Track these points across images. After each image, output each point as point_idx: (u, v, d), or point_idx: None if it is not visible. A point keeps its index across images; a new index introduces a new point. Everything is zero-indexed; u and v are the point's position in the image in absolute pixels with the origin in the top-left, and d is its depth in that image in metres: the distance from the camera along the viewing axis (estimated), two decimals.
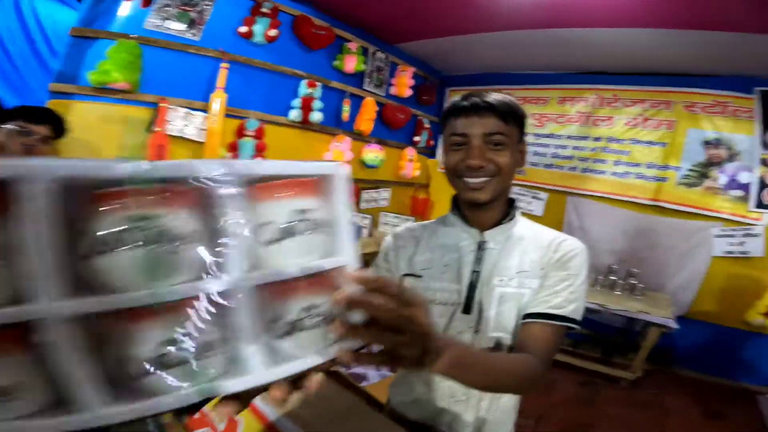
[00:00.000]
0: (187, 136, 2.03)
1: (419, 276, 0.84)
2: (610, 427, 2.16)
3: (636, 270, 2.74)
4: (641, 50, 2.59)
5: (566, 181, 3.23)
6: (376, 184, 3.28)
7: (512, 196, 0.86)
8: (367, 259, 2.91)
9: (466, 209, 0.84)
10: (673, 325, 2.36)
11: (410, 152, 3.42)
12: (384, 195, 3.32)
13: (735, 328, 2.73)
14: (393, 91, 3.29)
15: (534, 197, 3.37)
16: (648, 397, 2.51)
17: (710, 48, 2.35)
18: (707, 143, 2.78)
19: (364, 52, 2.99)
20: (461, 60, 3.42)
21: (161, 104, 1.91)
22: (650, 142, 2.96)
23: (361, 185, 3.15)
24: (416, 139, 3.54)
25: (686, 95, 2.85)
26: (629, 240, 3.00)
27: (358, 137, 3.06)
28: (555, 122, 3.32)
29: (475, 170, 0.75)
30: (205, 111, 2.10)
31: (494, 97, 0.78)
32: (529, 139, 3.39)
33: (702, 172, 2.78)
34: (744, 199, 2.65)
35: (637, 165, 2.98)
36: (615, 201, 3.06)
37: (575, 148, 3.23)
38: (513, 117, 0.78)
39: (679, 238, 2.84)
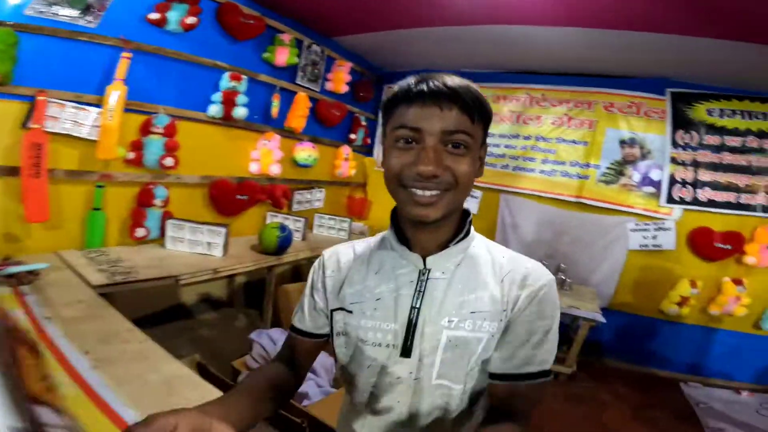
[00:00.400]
0: (76, 134, 1.77)
1: (349, 311, 0.69)
2: (558, 424, 2.19)
3: (564, 265, 2.85)
4: (569, 50, 2.65)
5: (499, 179, 3.30)
6: (310, 184, 3.15)
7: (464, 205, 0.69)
8: (302, 264, 2.72)
9: (407, 227, 0.67)
10: (601, 318, 2.48)
11: (346, 150, 3.31)
12: (318, 195, 3.19)
13: (653, 317, 2.93)
14: (328, 86, 3.16)
15: (469, 196, 3.38)
16: (584, 390, 2.61)
17: (628, 49, 2.44)
18: (623, 142, 2.95)
19: (299, 44, 2.83)
20: (399, 56, 3.35)
21: (39, 97, 1.64)
22: (574, 141, 3.09)
23: (292, 186, 3.00)
24: (352, 137, 3.44)
25: (606, 96, 3.00)
26: (557, 236, 3.13)
27: (289, 135, 2.90)
28: None
29: (426, 180, 0.58)
30: (100, 106, 1.84)
31: (458, 82, 0.59)
32: None
33: (618, 169, 2.95)
34: (656, 196, 2.84)
35: (562, 163, 3.10)
36: (543, 198, 3.17)
37: (507, 146, 3.30)
38: (480, 113, 0.60)
39: (600, 233, 3.00)
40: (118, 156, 1.88)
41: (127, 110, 1.93)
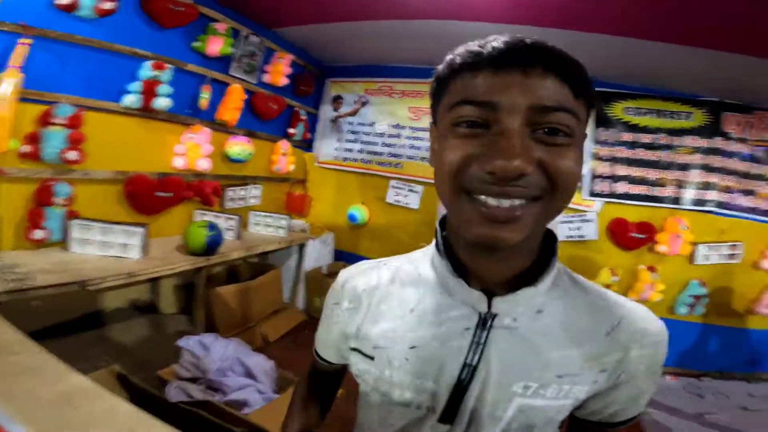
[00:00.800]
0: None
1: (370, 357, 0.51)
2: None
3: None
4: None
5: None
6: (245, 181, 3.01)
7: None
8: (238, 264, 2.62)
9: (463, 250, 0.48)
10: None
11: (284, 145, 3.21)
12: (254, 192, 3.07)
13: None
14: (266, 78, 3.04)
15: (410, 191, 3.42)
16: None
17: (569, 49, 2.53)
18: None
19: (235, 34, 2.68)
20: (344, 50, 3.28)
21: None
22: None
23: (224, 182, 2.85)
24: (291, 131, 3.34)
25: None
26: None
27: (221, 128, 2.75)
28: (430, 116, 3.40)
29: (506, 182, 0.38)
30: None
31: (546, 42, 0.41)
32: (405, 132, 3.44)
33: None
34: (579, 189, 3.01)
35: None
36: None
37: None
38: (585, 88, 0.41)
39: None
40: (9, 148, 1.68)
41: (24, 100, 1.74)
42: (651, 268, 2.91)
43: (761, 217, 2.84)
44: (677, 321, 2.95)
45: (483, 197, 0.39)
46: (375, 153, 3.53)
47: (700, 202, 2.85)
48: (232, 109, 2.73)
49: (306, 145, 3.64)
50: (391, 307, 0.52)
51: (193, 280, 2.30)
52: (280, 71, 3.05)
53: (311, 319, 3.08)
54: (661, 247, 2.84)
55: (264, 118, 3.06)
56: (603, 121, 2.95)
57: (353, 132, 3.59)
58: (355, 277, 0.58)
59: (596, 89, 0.43)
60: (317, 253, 3.36)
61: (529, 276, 0.46)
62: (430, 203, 3.36)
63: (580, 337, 0.46)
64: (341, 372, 0.68)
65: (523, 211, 0.39)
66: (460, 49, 0.43)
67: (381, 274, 0.56)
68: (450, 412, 0.47)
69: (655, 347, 0.47)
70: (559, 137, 0.39)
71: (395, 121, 3.48)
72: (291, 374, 2.05)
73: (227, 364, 1.83)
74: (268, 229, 2.96)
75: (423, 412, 0.48)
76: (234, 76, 2.78)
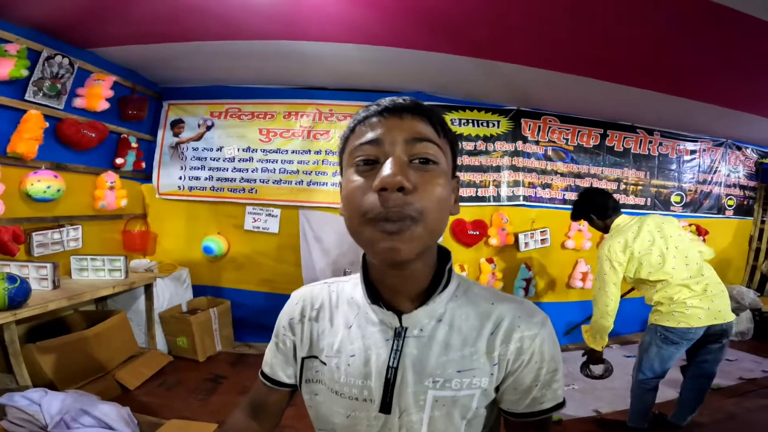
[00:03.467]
0: None
1: (324, 363, 0.62)
2: None
3: None
4: (351, 65, 2.80)
5: (296, 195, 3.32)
6: (58, 222, 2.55)
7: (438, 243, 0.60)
8: (65, 314, 2.24)
9: (377, 275, 0.59)
10: None
11: (110, 178, 2.81)
12: (72, 234, 2.61)
13: None
14: (79, 103, 2.65)
15: (268, 215, 3.33)
16: None
17: (395, 64, 2.71)
18: None
19: (33, 55, 2.32)
20: (183, 70, 3.06)
21: None
22: None
23: (28, 225, 2.38)
24: (119, 161, 2.96)
25: None
26: (354, 243, 3.29)
27: (16, 162, 2.30)
28: (281, 137, 3.37)
29: (391, 198, 0.47)
30: None
31: (416, 101, 0.55)
32: (257, 155, 3.36)
33: None
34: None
35: None
36: (338, 209, 3.31)
37: (300, 162, 3.35)
38: (445, 129, 0.56)
39: None
40: None
41: None
42: (489, 260, 3.34)
43: (559, 206, 3.52)
44: None
45: (380, 222, 0.48)
46: (226, 179, 3.35)
47: (513, 197, 3.41)
48: (28, 139, 2.30)
49: (142, 175, 3.26)
50: (337, 323, 0.63)
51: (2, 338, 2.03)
52: (97, 94, 2.70)
53: (177, 360, 2.87)
54: (492, 240, 3.29)
55: (78, 148, 2.65)
56: None
57: (199, 158, 3.36)
58: (308, 296, 0.68)
59: (424, 102, 0.56)
60: (171, 292, 3.07)
61: (430, 293, 0.57)
62: (291, 226, 3.32)
63: (472, 339, 0.57)
64: (283, 400, 0.72)
65: (406, 226, 0.48)
66: (355, 115, 0.56)
67: (330, 294, 0.67)
68: (385, 403, 0.57)
69: (530, 340, 0.56)
70: (430, 165, 0.51)
71: (246, 144, 3.36)
72: (156, 419, 1.98)
73: (69, 416, 1.76)
74: (98, 273, 2.58)
75: (367, 404, 0.58)
76: (32, 102, 2.38)
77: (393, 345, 0.57)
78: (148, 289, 2.83)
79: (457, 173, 0.61)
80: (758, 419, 1.86)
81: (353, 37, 2.41)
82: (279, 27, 2.32)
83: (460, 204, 0.63)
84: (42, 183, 2.36)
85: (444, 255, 0.61)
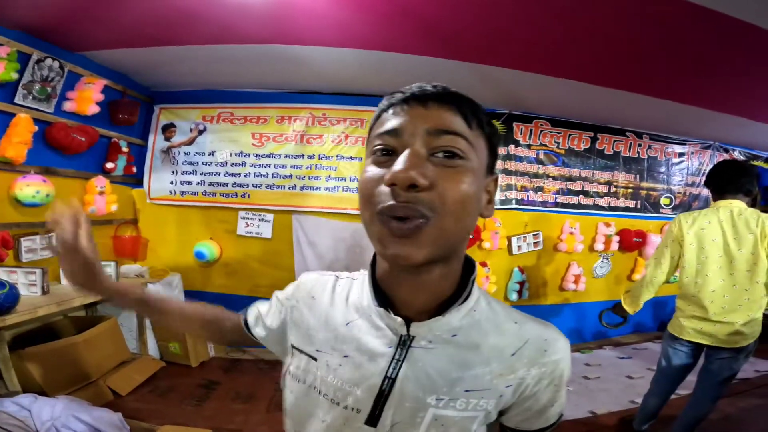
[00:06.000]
0: None
1: (313, 358, 0.57)
2: None
3: None
4: (344, 69, 2.79)
5: (289, 200, 3.31)
6: (47, 227, 2.51)
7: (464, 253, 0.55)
8: (54, 319, 2.24)
9: (387, 275, 0.53)
10: None
11: (100, 182, 2.78)
12: None
13: None
14: (69, 107, 2.62)
15: (261, 220, 3.31)
16: None
17: (390, 68, 2.70)
18: None
19: (23, 58, 2.30)
20: (174, 73, 3.05)
21: None
22: (351, 157, 3.34)
23: (17, 231, 2.34)
24: (109, 165, 2.92)
25: (372, 114, 3.38)
26: (350, 248, 3.31)
27: (5, 167, 2.27)
28: (274, 141, 3.36)
29: (403, 194, 0.43)
30: None
31: (448, 87, 0.50)
32: (250, 160, 3.34)
33: None
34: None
35: (343, 179, 3.32)
36: (332, 214, 3.32)
37: (293, 167, 3.34)
38: (479, 119, 0.49)
39: None
40: None
41: None
42: (483, 264, 3.35)
43: (551, 209, 3.55)
44: (513, 306, 3.46)
45: (389, 216, 0.44)
46: (218, 184, 3.33)
47: (506, 201, 3.44)
48: (17, 143, 2.27)
49: (133, 180, 3.23)
50: (334, 317, 0.57)
51: None
52: (88, 98, 2.67)
53: (170, 366, 2.84)
54: (485, 244, 3.30)
55: (68, 153, 2.62)
56: None
57: (191, 163, 3.33)
58: (314, 283, 0.64)
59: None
60: None
61: (448, 304, 0.51)
62: (284, 231, 3.31)
63: (488, 358, 0.51)
64: (238, 331, 0.74)
65: (415, 225, 0.43)
66: (387, 96, 0.52)
67: (336, 285, 0.62)
68: (373, 417, 0.51)
69: (555, 365, 0.53)
70: (455, 160, 0.45)
71: (238, 148, 3.35)
72: (148, 425, 1.99)
73: (60, 422, 1.74)
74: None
75: (350, 413, 0.52)
76: (21, 105, 2.35)
77: (395, 354, 0.51)
78: None
79: (496, 171, 0.55)
80: (752, 419, 1.87)
81: (346, 42, 2.42)
82: (272, 31, 2.32)
83: None
84: (31, 188, 2.33)
85: (468, 265, 0.55)
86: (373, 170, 0.47)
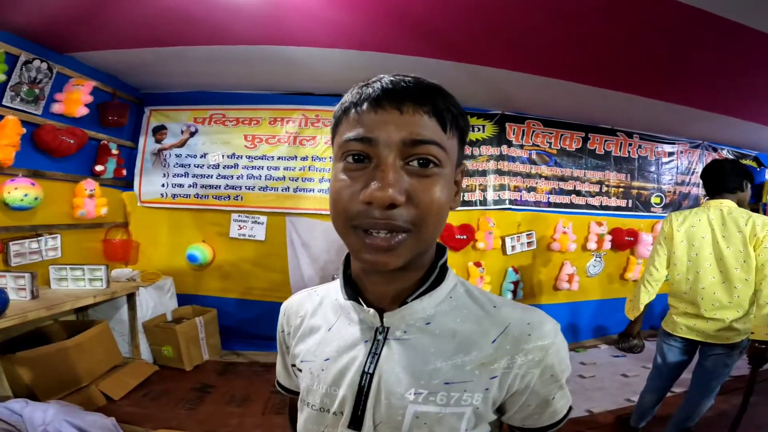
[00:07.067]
0: None
1: (300, 370, 0.58)
2: None
3: None
4: (337, 70, 2.78)
5: (282, 202, 3.29)
6: (35, 231, 2.47)
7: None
8: (45, 324, 2.21)
9: (361, 274, 0.53)
10: None
11: (89, 185, 2.74)
12: (51, 243, 2.54)
13: None
14: (58, 108, 2.58)
15: (255, 222, 3.29)
16: None
17: (383, 69, 2.71)
18: None
19: (11, 59, 2.27)
20: (165, 75, 3.02)
21: None
22: None
23: (5, 235, 2.31)
24: (98, 168, 2.89)
25: None
26: (342, 249, 3.27)
27: None
28: (267, 143, 3.33)
29: (383, 210, 0.42)
30: None
31: (423, 80, 0.47)
32: (242, 162, 3.32)
33: None
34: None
35: None
36: (325, 216, 3.30)
37: (286, 168, 3.33)
38: (455, 120, 0.47)
39: None
40: None
41: None
42: (477, 264, 3.36)
43: (544, 209, 3.57)
44: None
45: (367, 230, 0.43)
46: (210, 186, 3.30)
47: (499, 201, 3.45)
48: (5, 146, 2.24)
49: (123, 183, 3.19)
50: (316, 327, 0.57)
51: None
52: (76, 100, 2.64)
53: (163, 370, 2.81)
54: (479, 244, 3.31)
55: (56, 155, 2.58)
56: None
57: (182, 165, 3.30)
58: (292, 304, 0.64)
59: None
60: (155, 301, 3.01)
61: (421, 289, 0.50)
62: (278, 233, 3.29)
63: (467, 346, 0.48)
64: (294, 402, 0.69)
65: (396, 240, 0.43)
66: (351, 90, 0.49)
67: (312, 299, 0.62)
68: (356, 418, 0.49)
69: (542, 351, 0.48)
70: (429, 168, 0.44)
71: (230, 150, 3.32)
72: (142, 429, 1.97)
73: (52, 427, 1.71)
74: (78, 283, 2.53)
75: (337, 417, 0.51)
76: (9, 107, 2.31)
77: (372, 347, 0.50)
78: (131, 298, 2.77)
79: (464, 161, 0.53)
80: (747, 416, 1.88)
81: (339, 42, 2.42)
82: (264, 32, 2.31)
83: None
84: (19, 191, 2.29)
85: (438, 250, 0.54)
86: (345, 180, 0.45)
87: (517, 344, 0.48)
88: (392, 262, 0.44)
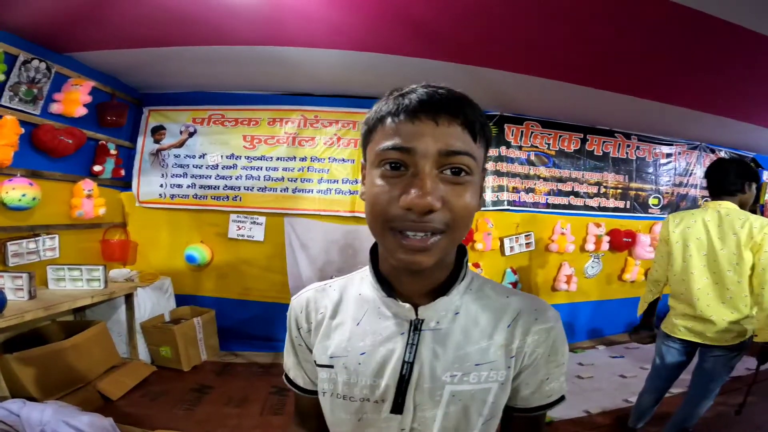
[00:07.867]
0: None
1: (329, 366, 0.60)
2: None
3: None
4: (336, 71, 2.78)
5: (280, 202, 3.29)
6: (33, 231, 2.47)
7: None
8: (42, 324, 2.20)
9: (391, 271, 0.58)
10: None
11: (87, 185, 2.73)
12: (49, 244, 2.53)
13: None
14: (56, 108, 2.58)
15: (253, 223, 3.29)
16: None
17: (382, 70, 2.69)
18: None
19: (9, 59, 2.27)
20: (164, 75, 3.01)
21: None
22: (343, 160, 3.34)
23: (1, 235, 2.30)
24: (96, 168, 2.88)
25: (364, 116, 3.37)
26: (343, 250, 3.30)
27: None
28: (266, 144, 3.33)
29: (419, 216, 0.46)
30: None
31: (455, 92, 0.51)
32: (241, 162, 3.32)
33: None
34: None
35: (335, 181, 3.32)
36: (324, 216, 3.31)
37: (285, 169, 3.32)
38: (483, 130, 0.52)
39: (371, 241, 3.32)
40: None
41: None
42: (476, 265, 3.36)
43: (542, 210, 3.58)
44: None
45: (403, 232, 0.48)
46: (209, 187, 3.30)
47: (498, 202, 3.46)
48: (3, 146, 2.23)
49: (122, 183, 3.18)
50: (342, 322, 0.60)
51: None
52: (75, 100, 2.64)
53: (161, 370, 2.81)
54: (478, 245, 3.32)
55: (55, 155, 2.58)
56: None
57: (181, 166, 3.30)
58: (311, 301, 0.65)
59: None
60: (153, 301, 3.00)
61: (446, 287, 0.56)
62: (276, 233, 3.29)
63: (489, 331, 0.57)
64: (317, 405, 0.68)
65: (431, 242, 0.48)
66: (386, 99, 0.52)
67: (330, 295, 0.64)
68: (397, 404, 0.55)
69: (546, 333, 0.57)
70: (461, 176, 0.49)
71: (229, 151, 3.32)
72: (140, 430, 1.96)
73: (50, 427, 1.72)
74: (76, 283, 2.53)
75: (378, 405, 0.56)
76: (7, 107, 2.31)
77: (408, 339, 0.56)
78: (129, 298, 2.77)
79: (485, 166, 0.58)
80: (745, 417, 1.88)
81: (338, 43, 2.42)
82: (263, 32, 2.31)
83: None
84: (17, 191, 2.28)
85: (460, 248, 0.60)
86: (383, 185, 0.49)
87: (527, 327, 0.57)
88: (426, 261, 0.49)
